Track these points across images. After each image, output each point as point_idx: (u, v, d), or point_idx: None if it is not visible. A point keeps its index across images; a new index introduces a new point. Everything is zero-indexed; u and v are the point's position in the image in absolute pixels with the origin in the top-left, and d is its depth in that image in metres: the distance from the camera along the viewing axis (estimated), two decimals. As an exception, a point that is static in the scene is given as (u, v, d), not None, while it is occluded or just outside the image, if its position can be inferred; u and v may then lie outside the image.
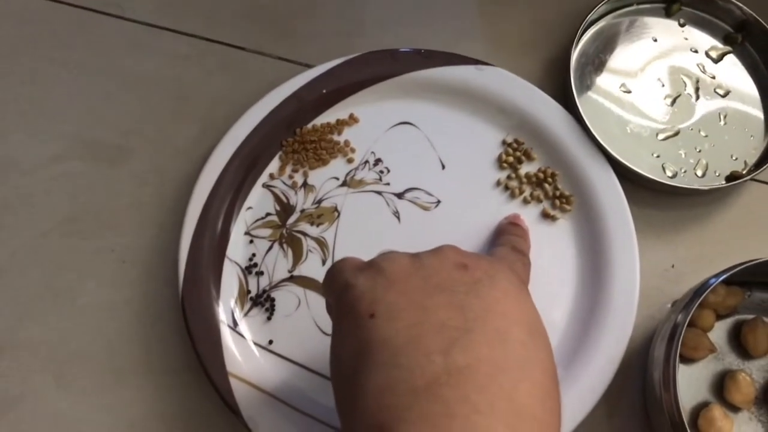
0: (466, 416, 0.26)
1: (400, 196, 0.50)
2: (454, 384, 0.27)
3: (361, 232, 0.49)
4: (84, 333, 0.48)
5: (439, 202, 0.50)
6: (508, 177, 0.50)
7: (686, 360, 0.46)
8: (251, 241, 0.49)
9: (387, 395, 0.27)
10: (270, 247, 0.49)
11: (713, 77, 0.53)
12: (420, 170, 0.51)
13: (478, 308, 0.30)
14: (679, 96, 0.53)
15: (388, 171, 0.51)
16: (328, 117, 0.52)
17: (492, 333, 0.29)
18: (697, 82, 0.53)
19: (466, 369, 0.27)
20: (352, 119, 0.52)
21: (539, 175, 0.50)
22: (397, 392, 0.27)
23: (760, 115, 0.53)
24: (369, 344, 0.29)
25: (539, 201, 0.50)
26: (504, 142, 0.51)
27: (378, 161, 0.51)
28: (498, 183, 0.50)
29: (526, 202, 0.50)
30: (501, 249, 0.44)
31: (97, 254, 0.50)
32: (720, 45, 0.55)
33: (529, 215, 0.50)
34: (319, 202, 0.50)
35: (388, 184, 0.50)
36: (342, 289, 0.32)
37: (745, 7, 0.53)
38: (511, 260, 0.41)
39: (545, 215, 0.49)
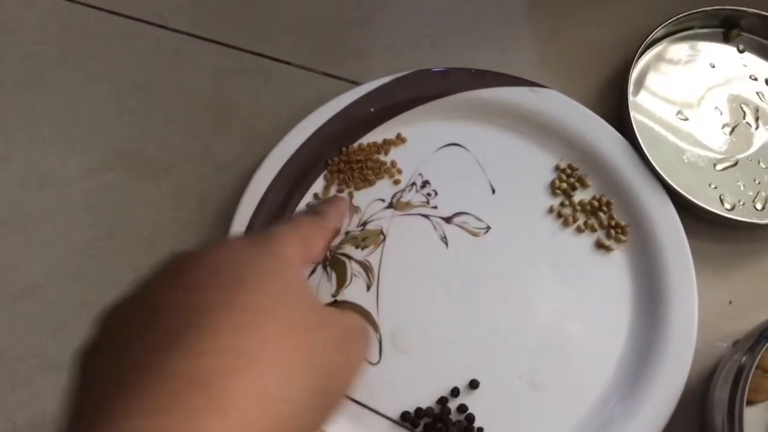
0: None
1: (448, 220, 0.49)
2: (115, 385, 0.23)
3: (408, 256, 0.48)
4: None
5: (488, 228, 0.48)
6: (561, 204, 0.49)
7: (746, 402, 0.44)
8: (294, 263, 0.48)
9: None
10: (313, 270, 0.47)
11: (773, 106, 0.52)
12: (469, 194, 0.49)
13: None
14: (737, 125, 0.51)
15: (436, 194, 0.49)
16: (375, 136, 0.50)
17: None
18: (757, 110, 0.52)
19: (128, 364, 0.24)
20: (400, 139, 0.51)
21: (594, 203, 0.48)
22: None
23: (822, 146, 0.51)
24: None
25: (593, 230, 0.48)
26: (557, 168, 0.50)
27: (425, 183, 0.50)
28: (550, 210, 0.49)
29: (579, 230, 0.48)
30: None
31: (136, 271, 0.48)
32: (780, 74, 0.53)
33: (582, 245, 0.48)
34: (365, 224, 0.49)
35: (435, 207, 0.49)
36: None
37: None
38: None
39: (599, 245, 0.48)
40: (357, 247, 0.48)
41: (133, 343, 0.25)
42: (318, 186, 0.49)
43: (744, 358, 0.41)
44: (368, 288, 0.47)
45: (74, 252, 0.49)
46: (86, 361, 0.26)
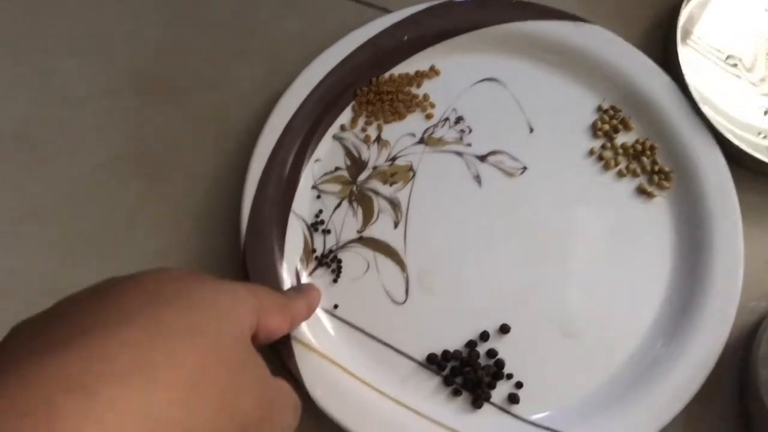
0: None
1: (482, 158, 0.46)
2: None
3: (438, 194, 0.45)
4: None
5: (525, 168, 0.46)
6: (603, 146, 0.46)
7: (789, 359, 0.42)
8: (318, 197, 0.45)
9: None
10: (338, 204, 0.45)
11: (829, 55, 0.49)
12: (505, 132, 0.46)
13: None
14: (791, 71, 0.48)
15: (470, 131, 0.46)
16: (407, 67, 0.47)
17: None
18: (812, 58, 0.49)
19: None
20: (433, 71, 0.48)
21: (637, 146, 0.46)
22: None
23: None
24: None
25: (635, 175, 0.46)
26: (599, 109, 0.47)
27: (459, 119, 0.47)
28: (591, 152, 0.46)
29: (621, 175, 0.46)
30: None
31: (150, 199, 0.46)
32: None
33: (623, 189, 0.45)
34: (394, 159, 0.46)
35: (469, 144, 0.46)
36: None
37: None
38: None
39: (641, 191, 0.45)
40: (385, 183, 0.45)
41: (32, 340, 0.23)
42: (345, 117, 0.47)
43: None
44: (396, 225, 0.44)
45: (84, 176, 0.46)
46: None
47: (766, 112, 0.47)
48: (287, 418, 0.31)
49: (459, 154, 0.46)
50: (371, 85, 0.47)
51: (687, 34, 0.49)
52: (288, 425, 0.31)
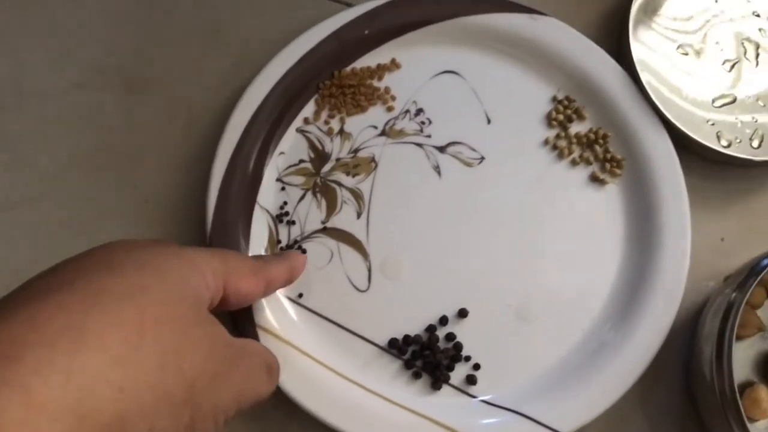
0: None
1: (441, 149, 0.47)
2: None
3: (399, 185, 0.47)
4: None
5: (482, 158, 0.47)
6: (557, 136, 0.48)
7: (733, 337, 0.44)
8: (283, 189, 0.46)
9: None
10: (302, 196, 0.46)
11: (775, 44, 0.51)
12: (464, 123, 0.48)
13: None
14: (738, 62, 0.50)
15: (430, 122, 0.48)
16: (369, 61, 0.49)
17: None
18: (758, 48, 0.50)
19: None
20: (394, 65, 0.49)
21: (590, 135, 0.48)
22: None
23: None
24: None
25: (588, 163, 0.47)
26: (554, 99, 0.48)
27: (419, 111, 0.48)
28: (546, 142, 0.48)
29: (574, 163, 0.47)
30: None
31: (119, 191, 0.47)
32: (784, 10, 0.52)
33: (577, 177, 0.47)
34: (356, 151, 0.47)
35: (429, 136, 0.48)
36: None
37: None
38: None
39: (594, 178, 0.47)
40: (348, 174, 0.47)
41: None
42: (309, 110, 0.48)
43: (734, 294, 0.41)
44: (358, 216, 0.46)
45: (54, 170, 0.47)
46: None
47: (714, 100, 0.49)
48: (255, 378, 0.31)
49: (419, 145, 0.47)
50: (333, 78, 0.48)
51: (639, 24, 0.50)
52: (258, 385, 0.31)
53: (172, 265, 0.28)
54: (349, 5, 0.50)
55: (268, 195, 0.46)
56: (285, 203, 0.46)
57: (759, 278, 0.40)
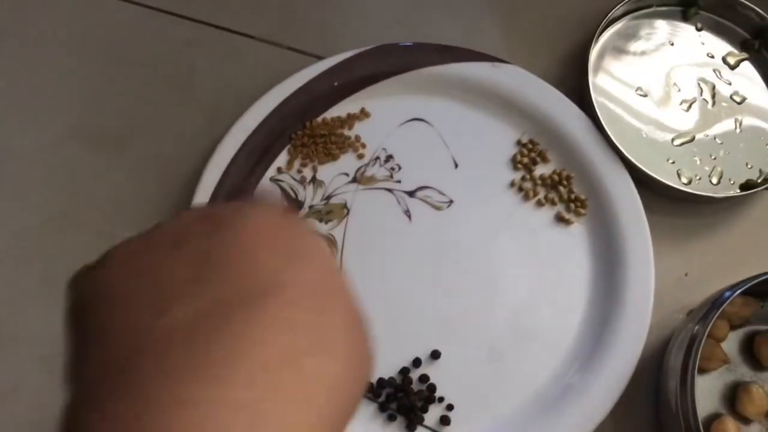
0: (163, 408, 0.18)
1: (411, 194, 0.49)
2: (160, 353, 0.20)
3: (372, 230, 0.48)
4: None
5: (451, 201, 0.49)
6: (523, 178, 0.49)
7: (699, 370, 0.45)
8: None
9: (81, 367, 0.22)
10: (276, 243, 0.47)
11: (729, 84, 0.53)
12: (432, 168, 0.50)
13: (220, 253, 0.22)
14: (694, 102, 0.52)
15: (400, 168, 0.50)
16: (339, 111, 0.50)
17: (232, 280, 0.21)
18: (713, 88, 0.53)
19: (181, 330, 0.20)
20: (364, 114, 0.51)
21: (554, 177, 0.49)
22: (90, 365, 0.21)
23: (774, 123, 0.52)
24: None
25: (553, 204, 0.49)
26: (519, 143, 0.50)
27: (389, 158, 0.50)
28: (512, 184, 0.49)
29: (540, 204, 0.49)
30: None
31: (97, 247, 0.48)
32: (737, 51, 0.54)
33: (543, 218, 0.49)
34: (329, 198, 0.49)
35: (399, 181, 0.49)
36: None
37: (763, 14, 0.52)
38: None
39: (559, 219, 0.49)
40: (321, 221, 0.48)
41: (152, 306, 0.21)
42: (282, 160, 0.49)
43: (696, 328, 0.42)
44: (331, 261, 0.47)
45: (34, 227, 0.48)
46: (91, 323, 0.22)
47: (673, 140, 0.51)
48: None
49: (390, 190, 0.49)
50: (305, 128, 0.50)
51: (598, 68, 0.52)
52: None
53: (254, 208, 0.25)
54: (320, 58, 0.52)
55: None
56: (260, 251, 0.47)
57: (719, 311, 0.41)
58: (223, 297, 0.21)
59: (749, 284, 0.42)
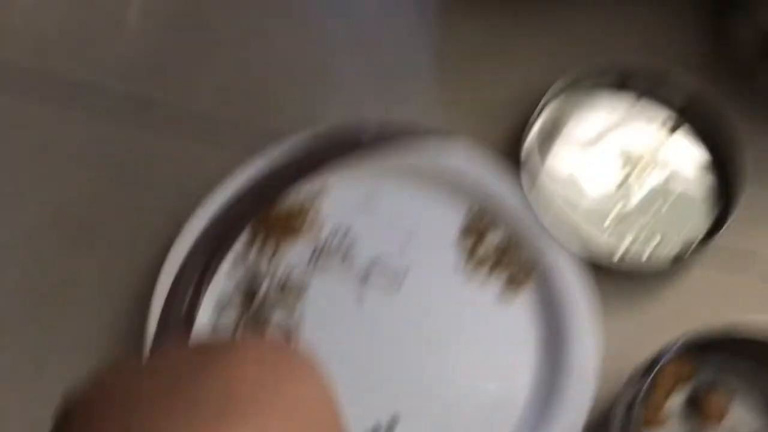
0: None
1: (364, 277, 0.51)
2: None
3: (326, 312, 0.51)
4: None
5: (404, 275, 0.51)
6: (471, 252, 0.52)
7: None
8: (215, 327, 0.50)
9: None
10: (234, 331, 0.50)
11: (661, 157, 0.56)
12: (384, 248, 0.52)
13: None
14: (628, 174, 0.55)
15: (353, 249, 0.52)
16: (293, 195, 0.53)
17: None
18: (645, 160, 0.55)
19: None
20: (316, 199, 0.53)
21: (498, 253, 0.52)
22: None
23: (702, 195, 0.55)
24: None
25: (499, 276, 0.52)
26: (467, 216, 0.53)
27: (343, 239, 0.52)
28: (460, 258, 0.52)
29: (486, 276, 0.52)
30: None
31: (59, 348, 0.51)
32: (669, 125, 0.57)
33: (489, 290, 0.51)
34: (284, 285, 0.51)
35: (352, 263, 0.52)
36: None
37: (694, 83, 0.55)
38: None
39: (505, 291, 0.51)
40: (277, 308, 0.51)
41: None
42: (239, 246, 0.52)
43: (632, 393, 0.44)
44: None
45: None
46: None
47: (607, 217, 0.54)
48: None
49: (345, 270, 0.51)
50: (262, 214, 0.52)
51: (540, 144, 0.55)
52: None
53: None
54: (279, 137, 0.54)
55: (202, 332, 0.49)
56: (219, 339, 0.49)
57: (649, 379, 0.44)
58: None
59: (669, 353, 0.44)
